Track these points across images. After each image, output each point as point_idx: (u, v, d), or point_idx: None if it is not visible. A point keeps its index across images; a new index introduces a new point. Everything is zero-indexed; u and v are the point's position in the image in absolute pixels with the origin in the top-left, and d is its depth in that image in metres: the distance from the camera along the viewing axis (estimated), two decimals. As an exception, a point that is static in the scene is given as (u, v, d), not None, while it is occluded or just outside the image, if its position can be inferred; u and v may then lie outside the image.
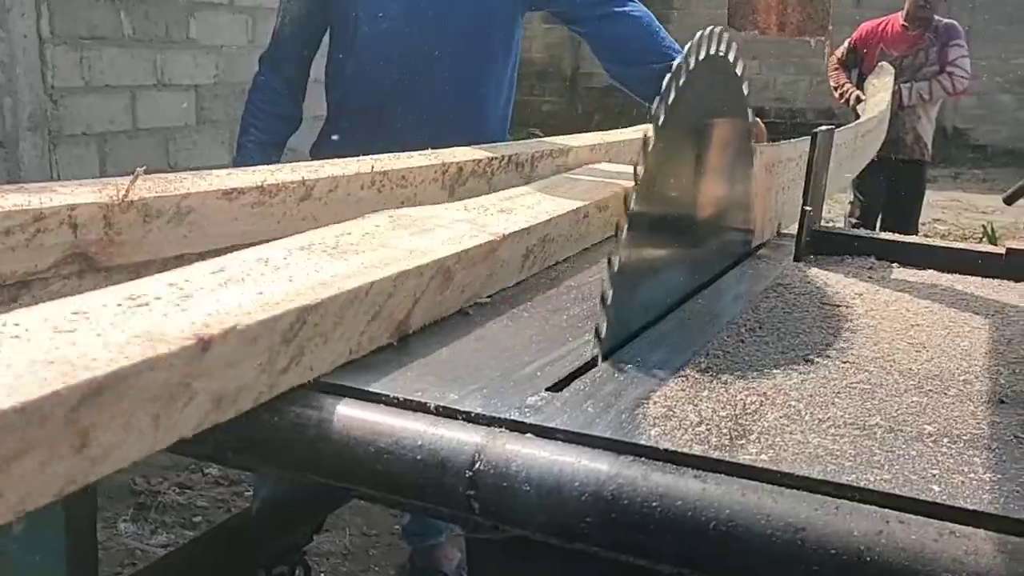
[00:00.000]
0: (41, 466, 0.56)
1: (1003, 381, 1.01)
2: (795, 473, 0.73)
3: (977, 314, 1.30)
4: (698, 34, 1.10)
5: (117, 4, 4.27)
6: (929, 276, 1.52)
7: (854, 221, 5.23)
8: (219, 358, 0.71)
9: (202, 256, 1.32)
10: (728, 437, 0.80)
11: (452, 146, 1.74)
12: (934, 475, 0.75)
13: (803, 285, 1.41)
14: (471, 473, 0.75)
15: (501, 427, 0.79)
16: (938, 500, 0.70)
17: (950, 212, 9.07)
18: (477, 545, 0.93)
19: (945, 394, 0.95)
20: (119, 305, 0.75)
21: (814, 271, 1.52)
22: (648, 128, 1.01)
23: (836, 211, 6.09)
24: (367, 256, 1.01)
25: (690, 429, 0.81)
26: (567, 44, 13.52)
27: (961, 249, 1.59)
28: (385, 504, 0.89)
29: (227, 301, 0.79)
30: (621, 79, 2.09)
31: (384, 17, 1.99)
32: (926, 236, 7.11)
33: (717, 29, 1.16)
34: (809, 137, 1.55)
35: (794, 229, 1.62)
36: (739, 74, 1.29)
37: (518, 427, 0.79)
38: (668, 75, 1.02)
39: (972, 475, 0.75)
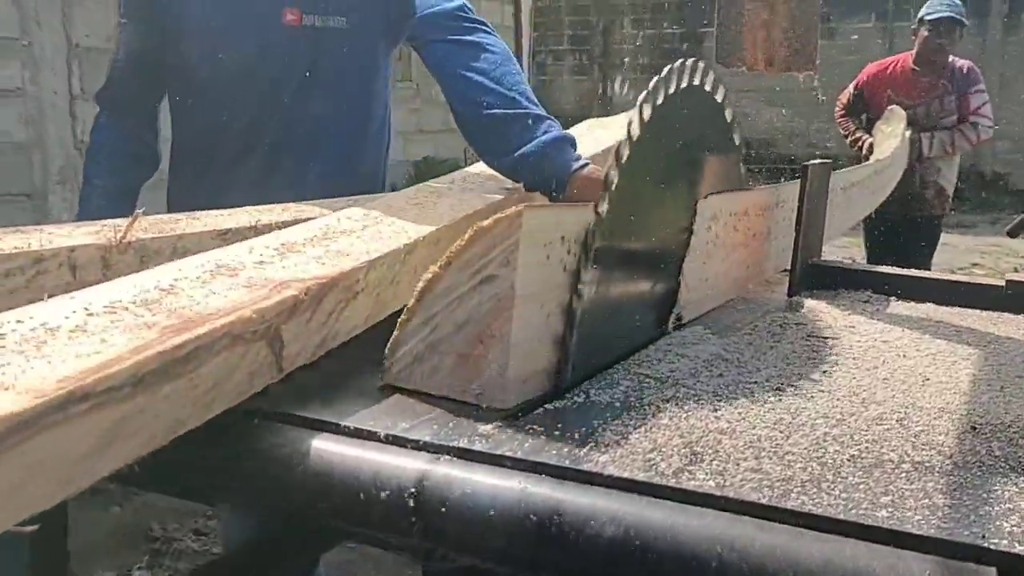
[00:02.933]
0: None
1: (980, 409, 0.98)
2: (739, 499, 0.72)
3: (968, 345, 1.27)
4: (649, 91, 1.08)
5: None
6: (926, 309, 1.50)
7: None
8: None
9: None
10: (679, 464, 0.79)
11: (325, 186, 1.58)
12: (886, 501, 0.73)
13: (792, 318, 1.39)
14: (415, 500, 0.75)
15: (449, 455, 0.79)
16: (883, 525, 0.68)
17: (989, 257, 8.93)
18: (431, 574, 0.92)
19: (915, 423, 0.93)
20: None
21: (809, 304, 1.50)
22: (622, 158, 1.02)
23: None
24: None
25: (641, 456, 0.80)
26: (597, 93, 13.65)
27: (960, 282, 1.57)
28: (344, 537, 0.88)
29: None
30: (460, 122, 1.69)
31: (226, 59, 1.66)
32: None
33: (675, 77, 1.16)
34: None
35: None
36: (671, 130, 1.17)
37: (464, 454, 0.78)
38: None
39: (925, 501, 0.73)
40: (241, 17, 1.65)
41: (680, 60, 1.17)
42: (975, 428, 0.92)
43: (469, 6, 1.76)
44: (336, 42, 1.69)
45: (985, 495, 0.75)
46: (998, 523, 0.70)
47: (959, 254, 7.95)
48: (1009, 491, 0.76)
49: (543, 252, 0.91)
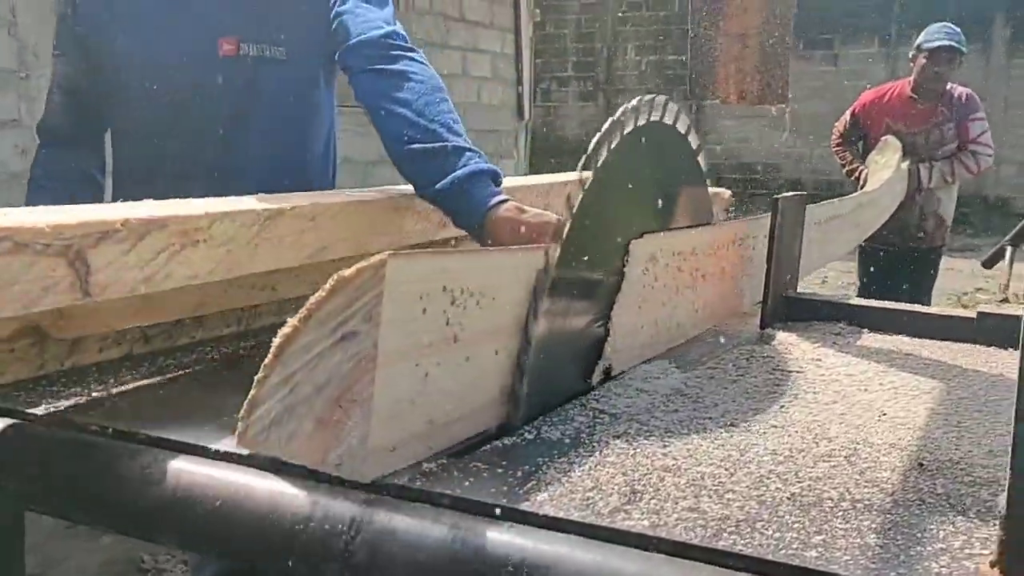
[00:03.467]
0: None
1: (931, 445, 0.98)
2: (670, 539, 0.72)
3: (932, 379, 1.27)
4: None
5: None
6: (897, 341, 1.50)
7: None
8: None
9: (162, 333, 1.36)
10: (616, 503, 0.79)
11: None
12: (817, 541, 0.73)
13: (761, 351, 1.39)
14: (348, 540, 0.75)
15: (386, 492, 0.79)
16: (810, 566, 0.69)
17: (993, 282, 8.88)
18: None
19: (863, 460, 0.93)
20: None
21: (780, 336, 1.50)
22: (573, 205, 1.03)
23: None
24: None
25: (580, 495, 0.80)
26: (601, 119, 13.70)
27: (932, 314, 1.57)
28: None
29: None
30: (388, 155, 1.58)
31: (162, 91, 1.64)
32: (963, 307, 6.99)
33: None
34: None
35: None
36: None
37: (402, 492, 0.79)
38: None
39: (857, 541, 0.73)
40: (177, 50, 1.65)
41: (637, 97, 1.18)
42: (922, 465, 0.92)
43: (400, 32, 1.68)
44: (274, 73, 1.69)
45: (919, 534, 0.75)
46: (927, 563, 0.70)
47: (963, 279, 7.90)
48: (944, 530, 0.76)
49: (416, 306, 0.81)
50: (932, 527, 0.77)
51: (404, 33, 1.69)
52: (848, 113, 4.38)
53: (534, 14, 8.62)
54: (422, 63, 1.65)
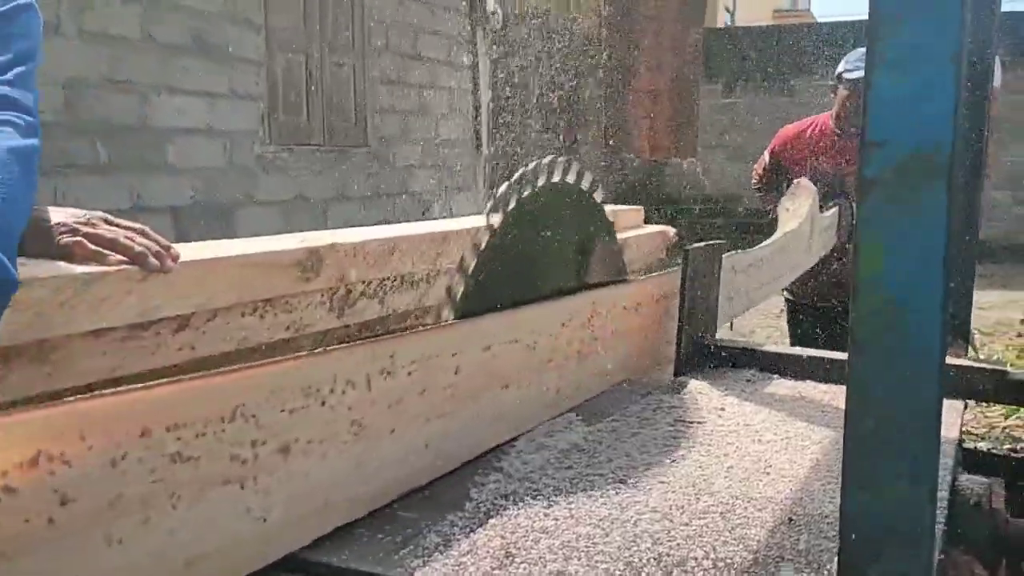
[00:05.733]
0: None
1: (806, 499, 1.03)
2: (529, 604, 0.75)
3: (827, 427, 1.32)
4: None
5: (92, 136, 4.45)
6: (804, 387, 1.55)
7: None
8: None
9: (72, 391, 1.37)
10: (487, 567, 0.82)
11: None
12: (671, 603, 0.77)
13: (668, 400, 1.44)
14: (225, 610, 0.78)
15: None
16: (656, 629, 0.72)
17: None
18: None
19: (738, 516, 0.97)
20: None
21: (692, 385, 1.55)
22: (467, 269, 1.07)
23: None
24: None
25: (454, 560, 0.84)
26: (562, 148, 13.82)
27: (835, 360, 1.62)
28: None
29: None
30: None
31: None
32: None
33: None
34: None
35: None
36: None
37: (287, 562, 0.82)
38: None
39: (710, 601, 0.77)
40: None
41: (534, 161, 1.23)
42: (791, 520, 0.96)
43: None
44: None
45: (770, 594, 0.79)
46: (770, 623, 0.74)
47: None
48: (795, 588, 0.80)
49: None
50: (784, 585, 0.81)
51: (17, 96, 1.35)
52: (767, 153, 3.80)
53: (493, 50, 8.73)
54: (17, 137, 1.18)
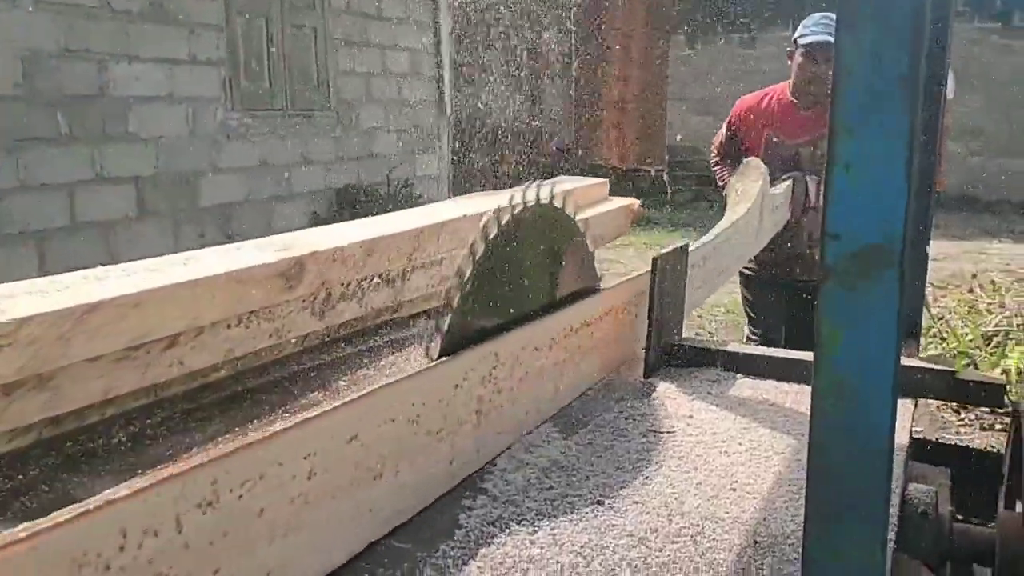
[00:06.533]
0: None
1: (770, 518, 1.12)
2: (522, 643, 0.83)
3: (787, 435, 1.41)
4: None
5: (53, 106, 4.39)
6: (766, 387, 1.64)
7: None
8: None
9: (72, 415, 1.42)
10: (481, 603, 0.90)
11: None
12: (649, 637, 0.85)
13: (639, 407, 1.52)
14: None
15: (276, 605, 0.88)
16: (637, 667, 0.80)
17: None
18: None
19: (707, 539, 1.06)
20: None
21: (661, 387, 1.63)
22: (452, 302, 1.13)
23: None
24: None
25: (449, 596, 0.91)
26: (525, 104, 13.79)
27: (796, 359, 1.71)
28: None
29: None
30: None
31: None
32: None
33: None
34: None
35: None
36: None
37: (289, 606, 0.88)
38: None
39: (684, 635, 0.86)
40: None
41: (524, 185, 1.29)
42: (756, 542, 1.05)
43: None
44: None
45: (737, 624, 0.88)
46: (738, 656, 0.82)
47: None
48: (760, 618, 0.89)
49: None
50: (750, 615, 0.89)
51: None
52: (724, 126, 3.64)
53: (455, 7, 8.66)
54: None
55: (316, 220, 6.41)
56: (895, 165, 0.71)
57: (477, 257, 1.19)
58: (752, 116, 3.47)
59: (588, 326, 1.57)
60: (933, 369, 1.64)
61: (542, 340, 1.40)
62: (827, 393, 0.75)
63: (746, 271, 3.46)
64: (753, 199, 2.38)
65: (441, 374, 1.14)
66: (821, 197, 2.92)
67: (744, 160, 2.83)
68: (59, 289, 1.32)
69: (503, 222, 1.24)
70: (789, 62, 3.37)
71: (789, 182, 3.17)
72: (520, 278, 1.35)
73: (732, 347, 1.81)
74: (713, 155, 3.69)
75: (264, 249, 1.70)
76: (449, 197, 6.75)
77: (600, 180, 3.32)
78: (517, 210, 1.28)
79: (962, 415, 4.59)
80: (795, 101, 3.38)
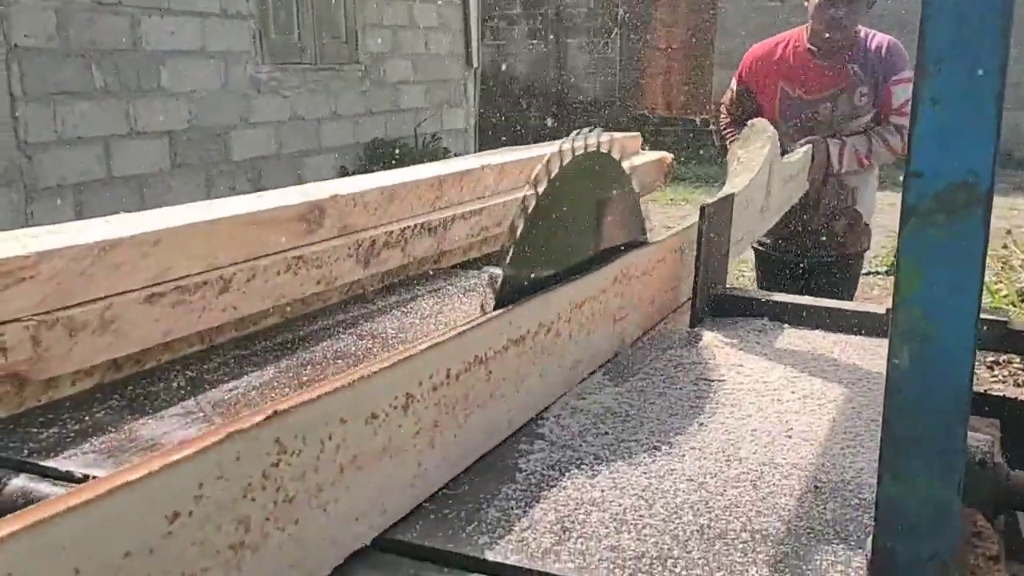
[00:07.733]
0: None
1: (828, 464, 1.11)
2: (592, 582, 0.84)
3: (839, 384, 1.41)
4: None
5: (87, 59, 4.40)
6: (814, 337, 1.63)
7: None
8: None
9: (131, 359, 1.44)
10: (548, 543, 0.91)
11: None
12: (717, 576, 0.86)
13: (688, 356, 1.52)
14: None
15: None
16: (708, 605, 0.81)
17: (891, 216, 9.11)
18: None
19: (767, 484, 1.06)
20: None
21: (707, 337, 1.63)
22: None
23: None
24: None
25: (516, 535, 0.92)
26: (551, 59, 13.66)
27: (844, 309, 1.70)
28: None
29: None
30: None
31: None
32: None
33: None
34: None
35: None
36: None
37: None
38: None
39: (753, 572, 0.86)
40: None
41: (576, 131, 1.28)
42: (818, 487, 1.05)
43: None
44: None
45: (803, 566, 0.88)
46: (805, 598, 0.83)
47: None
48: (826, 560, 0.89)
49: None
50: (817, 558, 0.90)
51: None
52: (734, 80, 3.20)
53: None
54: None
55: (344, 174, 6.42)
56: (985, 100, 0.69)
57: (529, 210, 1.18)
58: (764, 68, 3.06)
59: (641, 276, 1.57)
60: (984, 319, 1.62)
61: (595, 289, 1.40)
62: (907, 331, 0.74)
63: (757, 247, 3.20)
64: (757, 170, 2.01)
65: (507, 320, 1.16)
66: (844, 163, 2.73)
67: (749, 122, 2.41)
68: (81, 230, 1.34)
69: (552, 172, 1.23)
70: (806, 3, 2.97)
71: (808, 147, 2.80)
72: (571, 227, 1.35)
73: (779, 297, 1.80)
74: (722, 116, 3.25)
75: (286, 195, 1.72)
76: (475, 151, 6.72)
77: (633, 134, 3.29)
78: (566, 159, 1.26)
79: (995, 371, 4.57)
80: (812, 48, 2.97)
